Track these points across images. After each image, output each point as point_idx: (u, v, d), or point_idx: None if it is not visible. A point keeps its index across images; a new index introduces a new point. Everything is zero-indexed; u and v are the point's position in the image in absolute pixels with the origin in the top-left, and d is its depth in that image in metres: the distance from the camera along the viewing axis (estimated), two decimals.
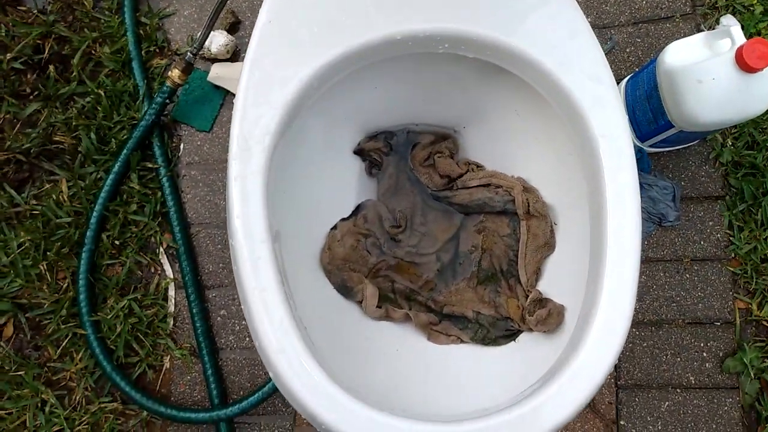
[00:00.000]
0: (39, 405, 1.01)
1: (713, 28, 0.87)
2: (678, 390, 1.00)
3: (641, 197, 1.00)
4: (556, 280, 0.71)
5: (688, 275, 1.03)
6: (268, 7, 0.60)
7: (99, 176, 1.08)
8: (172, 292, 1.06)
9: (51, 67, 1.11)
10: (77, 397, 1.02)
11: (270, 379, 0.99)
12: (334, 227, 0.78)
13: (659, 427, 1.00)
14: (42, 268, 1.04)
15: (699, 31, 1.07)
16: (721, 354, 1.01)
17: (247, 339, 1.05)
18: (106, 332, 1.02)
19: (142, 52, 1.12)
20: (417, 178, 0.82)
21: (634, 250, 0.53)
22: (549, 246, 0.73)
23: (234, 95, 1.10)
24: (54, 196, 1.06)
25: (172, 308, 1.05)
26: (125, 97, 1.10)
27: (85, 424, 1.01)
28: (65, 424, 1.00)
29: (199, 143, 1.11)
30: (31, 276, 1.03)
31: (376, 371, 0.66)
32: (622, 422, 1.00)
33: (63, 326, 1.03)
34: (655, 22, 1.09)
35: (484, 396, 0.59)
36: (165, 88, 1.05)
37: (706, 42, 0.85)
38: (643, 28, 1.09)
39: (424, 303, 0.76)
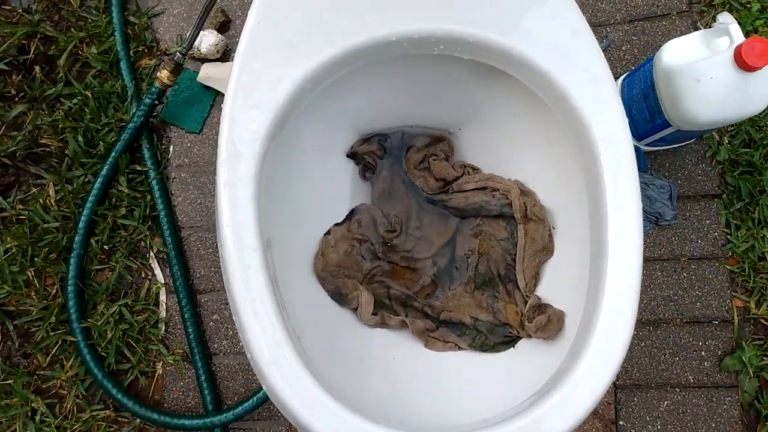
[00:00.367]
0: (29, 414, 0.99)
1: (710, 26, 0.86)
2: (677, 389, 1.00)
3: None
4: (555, 285, 0.70)
5: (685, 274, 1.02)
6: (258, 8, 0.58)
7: (87, 180, 1.05)
8: (163, 297, 1.04)
9: (37, 68, 1.09)
10: (68, 406, 1.00)
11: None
12: (328, 233, 0.77)
13: (658, 427, 0.99)
14: (30, 274, 1.02)
15: (695, 28, 1.06)
16: (719, 353, 1.00)
17: (241, 344, 1.03)
18: (97, 339, 1.00)
19: (131, 52, 1.10)
20: (412, 182, 0.80)
21: (636, 257, 0.51)
22: (547, 250, 0.71)
23: (224, 96, 1.09)
24: (41, 201, 1.04)
25: (163, 313, 1.04)
26: (113, 99, 1.08)
27: None
28: None
29: (188, 145, 1.09)
30: (18, 282, 1.01)
31: (371, 380, 0.65)
32: (621, 422, 0.99)
33: (52, 333, 1.01)
34: (651, 19, 1.08)
35: (483, 405, 0.58)
36: (154, 89, 1.03)
37: (704, 40, 0.84)
38: (639, 25, 1.08)
39: (421, 309, 0.75)
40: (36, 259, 1.02)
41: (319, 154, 0.75)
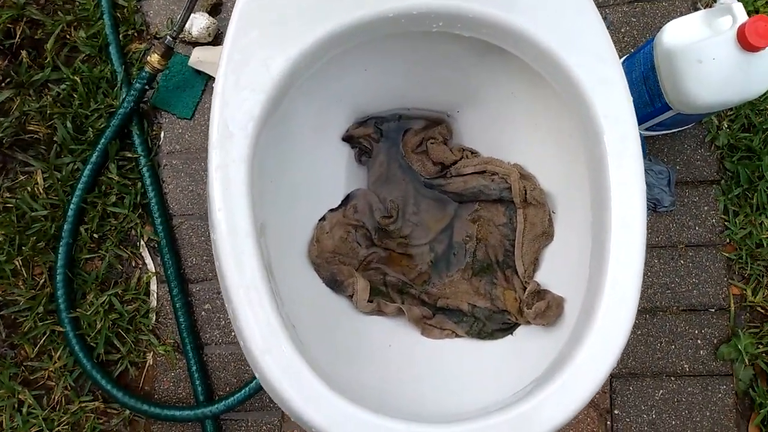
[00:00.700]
0: (16, 406, 0.98)
1: (710, 6, 0.85)
2: (672, 378, 0.99)
3: None
4: (554, 271, 0.69)
5: (682, 261, 1.01)
6: None
7: (76, 167, 1.03)
8: (154, 287, 1.02)
9: (23, 53, 1.06)
10: (56, 397, 0.98)
11: (255, 376, 0.96)
12: (323, 218, 0.75)
13: (653, 416, 0.99)
14: (17, 263, 1.00)
15: (695, 9, 1.05)
16: (715, 341, 1.00)
17: (233, 334, 1.01)
18: (86, 329, 0.98)
19: (120, 36, 1.07)
20: (409, 166, 0.78)
21: (639, 241, 0.50)
22: (547, 235, 0.70)
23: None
24: (29, 189, 1.02)
25: (154, 303, 1.02)
26: (102, 84, 1.05)
27: (65, 425, 0.97)
28: (44, 425, 0.96)
29: (180, 131, 1.07)
30: (5, 272, 0.99)
31: (368, 368, 0.64)
32: (616, 411, 0.99)
33: (40, 324, 0.99)
34: (651, 0, 1.07)
35: (481, 393, 0.57)
36: (144, 73, 1.00)
37: (706, 20, 0.82)
38: (639, 6, 1.07)
39: (417, 296, 0.73)
40: (24, 248, 1.00)
41: (315, 137, 0.73)
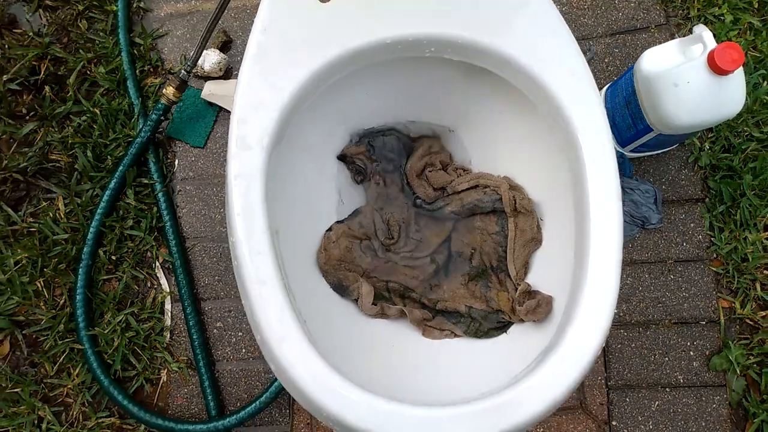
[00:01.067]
0: (36, 422, 1.01)
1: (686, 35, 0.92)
2: (667, 389, 1.03)
3: (624, 201, 1.04)
4: (544, 274, 0.74)
5: (672, 276, 1.06)
6: (263, 16, 0.63)
7: (95, 193, 1.09)
8: (168, 306, 1.07)
9: (47, 88, 1.14)
10: (74, 413, 1.02)
11: (266, 389, 1.00)
12: (329, 229, 0.81)
13: (650, 426, 1.02)
14: (39, 284, 1.05)
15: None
16: (707, 352, 1.03)
17: (244, 350, 1.06)
18: (103, 347, 1.03)
19: (137, 71, 1.15)
20: (411, 191, 0.84)
21: (616, 232, 0.55)
22: (536, 241, 0.75)
23: (227, 111, 1.14)
24: (51, 214, 1.08)
25: (168, 321, 1.07)
26: (120, 116, 1.13)
27: None
28: None
29: (193, 159, 1.13)
30: (28, 293, 1.04)
31: (372, 365, 0.68)
32: (614, 422, 1.02)
33: (60, 342, 1.03)
34: (632, 32, 1.14)
35: (478, 386, 0.61)
36: (160, 105, 1.07)
37: (680, 48, 0.89)
38: (620, 38, 1.14)
39: (418, 300, 0.78)
40: (45, 269, 1.05)
41: (320, 153, 0.80)
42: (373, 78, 0.73)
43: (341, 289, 0.77)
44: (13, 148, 1.12)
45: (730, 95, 0.85)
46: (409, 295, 0.78)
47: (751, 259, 1.04)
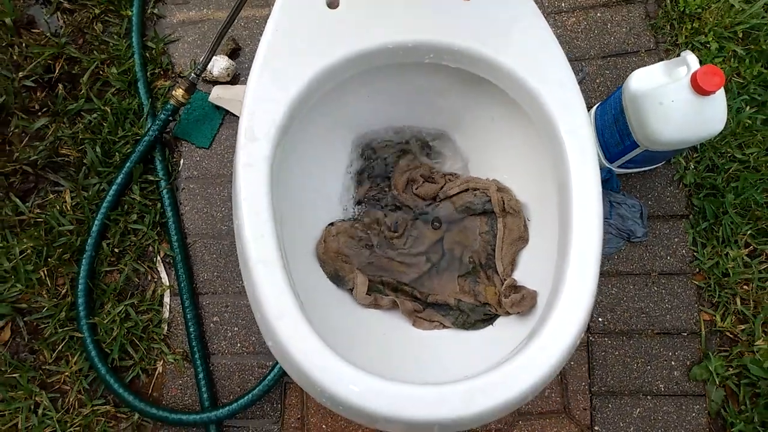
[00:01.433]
0: (32, 407, 1.04)
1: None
2: (648, 397, 1.06)
3: (611, 215, 1.08)
4: (529, 271, 0.78)
5: (656, 288, 1.10)
6: (276, 18, 0.68)
7: (102, 188, 1.13)
8: (167, 299, 1.10)
9: (60, 86, 1.18)
10: (70, 400, 1.04)
11: (259, 383, 1.03)
12: (331, 224, 0.85)
13: None
14: (42, 273, 1.08)
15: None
16: (688, 363, 1.07)
17: (239, 345, 1.09)
18: (102, 336, 1.06)
19: (148, 73, 1.20)
20: (403, 203, 0.89)
21: (596, 227, 0.59)
22: (523, 239, 0.79)
23: (233, 115, 1.18)
24: (57, 206, 1.11)
25: (166, 314, 1.10)
26: (130, 115, 1.17)
27: (77, 427, 1.03)
28: (57, 426, 1.02)
29: (198, 159, 1.17)
30: (31, 281, 1.07)
31: (365, 350, 0.71)
32: (596, 428, 1.05)
33: (60, 330, 1.06)
34: (623, 56, 1.20)
35: (465, 372, 0.64)
36: (169, 106, 1.12)
37: (666, 69, 0.95)
38: (612, 61, 1.20)
39: (410, 293, 0.82)
40: (50, 259, 1.08)
41: (322, 151, 0.84)
42: (374, 81, 0.78)
43: (337, 279, 0.80)
44: (24, 142, 1.16)
45: (712, 115, 0.90)
46: (402, 288, 0.82)
47: (731, 275, 1.08)
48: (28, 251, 1.09)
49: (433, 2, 0.69)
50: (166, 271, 1.12)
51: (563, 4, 1.24)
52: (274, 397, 1.06)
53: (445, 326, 0.78)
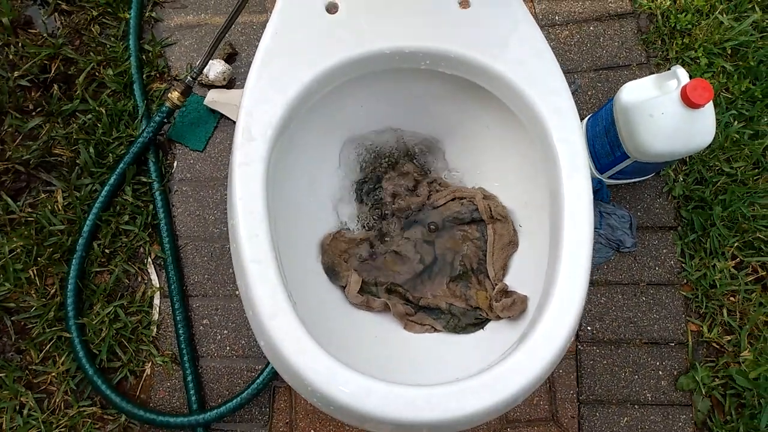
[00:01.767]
0: (17, 407, 1.03)
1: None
2: (636, 406, 1.06)
3: (600, 225, 1.09)
4: (521, 278, 0.78)
5: (644, 298, 1.11)
6: (275, 22, 0.69)
7: (94, 188, 1.13)
8: (157, 301, 1.10)
9: (55, 86, 1.18)
10: (57, 401, 1.04)
11: (248, 387, 1.02)
12: (347, 228, 0.87)
13: None
14: (32, 272, 1.07)
15: None
16: (675, 372, 1.08)
17: (228, 348, 1.08)
18: (91, 336, 1.05)
19: (144, 76, 1.20)
20: (392, 213, 0.90)
21: (587, 233, 0.60)
22: (513, 243, 0.81)
23: (228, 119, 1.19)
24: (49, 205, 1.11)
25: (156, 316, 1.09)
26: (125, 116, 1.17)
27: (62, 428, 1.02)
28: (43, 427, 1.01)
29: (192, 162, 1.18)
30: (20, 280, 1.07)
31: (357, 353, 0.71)
32: None
33: (48, 330, 1.05)
34: (614, 69, 1.22)
35: (456, 375, 0.65)
36: (164, 108, 1.12)
37: (656, 82, 0.96)
38: (603, 74, 1.22)
39: (403, 295, 0.83)
40: (39, 258, 1.08)
41: (317, 153, 0.84)
42: (371, 86, 0.79)
43: (332, 273, 0.81)
44: (17, 141, 1.15)
45: (700, 127, 0.92)
46: (396, 290, 0.83)
47: (719, 286, 1.09)
48: (18, 250, 1.08)
49: (431, 10, 0.70)
50: (156, 272, 1.11)
51: (557, 18, 1.26)
52: (263, 401, 1.05)
53: (436, 330, 0.79)
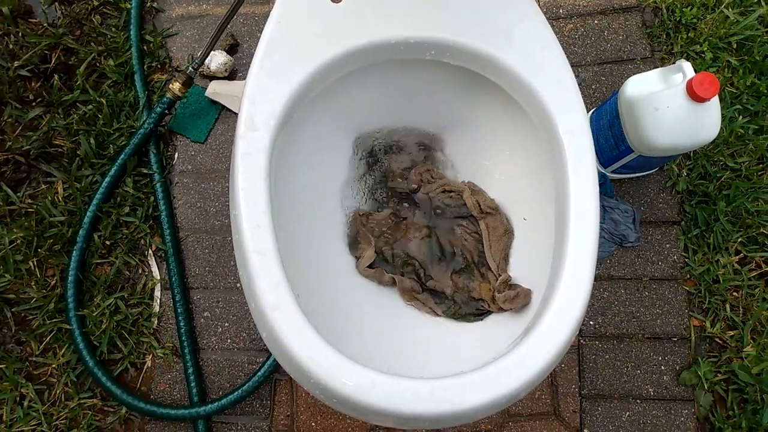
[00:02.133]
0: (17, 399, 1.03)
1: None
2: (638, 401, 1.06)
3: (604, 219, 1.09)
4: (524, 270, 0.78)
5: (647, 293, 1.11)
6: (279, 10, 0.68)
7: (95, 179, 1.12)
8: (158, 293, 1.10)
9: (56, 76, 1.17)
10: (57, 392, 1.03)
11: (249, 379, 1.02)
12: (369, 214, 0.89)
13: None
14: (32, 264, 1.07)
15: None
16: (677, 367, 1.07)
17: (229, 341, 1.08)
18: (91, 328, 1.05)
19: (145, 66, 1.19)
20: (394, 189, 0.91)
21: (593, 225, 0.59)
22: (509, 233, 0.81)
23: (229, 110, 1.18)
24: (49, 197, 1.11)
25: (157, 308, 1.09)
26: (126, 107, 1.16)
27: (63, 420, 1.02)
28: (43, 419, 1.01)
29: (193, 153, 1.17)
30: (20, 271, 1.06)
31: (360, 345, 0.71)
32: (585, 430, 1.05)
33: (48, 321, 1.05)
34: (618, 63, 1.21)
35: (462, 368, 0.64)
36: (165, 99, 1.11)
37: (662, 76, 0.95)
38: (608, 68, 1.21)
39: (415, 271, 0.84)
40: (40, 250, 1.07)
41: (321, 143, 0.84)
42: (375, 76, 0.78)
43: (354, 243, 0.83)
44: (17, 131, 1.15)
45: (706, 121, 0.91)
46: (411, 262, 0.84)
47: (722, 281, 1.09)
48: (18, 241, 1.08)
49: None
50: (157, 264, 1.11)
51: (561, 11, 1.25)
52: (264, 393, 1.05)
53: (436, 314, 0.79)
